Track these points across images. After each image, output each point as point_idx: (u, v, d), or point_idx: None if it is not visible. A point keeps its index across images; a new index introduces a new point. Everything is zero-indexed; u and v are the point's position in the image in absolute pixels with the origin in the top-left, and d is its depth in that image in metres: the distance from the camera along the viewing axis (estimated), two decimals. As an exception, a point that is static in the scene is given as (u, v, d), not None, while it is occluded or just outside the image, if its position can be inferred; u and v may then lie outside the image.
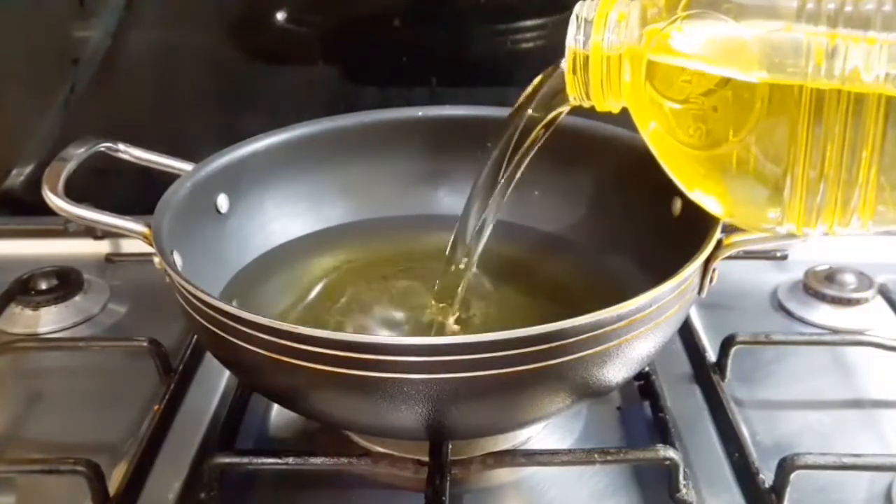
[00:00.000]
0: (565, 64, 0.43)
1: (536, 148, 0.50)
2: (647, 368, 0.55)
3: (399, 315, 0.55)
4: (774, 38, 0.37)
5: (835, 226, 0.39)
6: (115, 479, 0.49)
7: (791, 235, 0.41)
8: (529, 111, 0.49)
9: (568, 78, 0.44)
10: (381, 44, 0.73)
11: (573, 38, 0.43)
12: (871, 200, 0.38)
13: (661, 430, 0.51)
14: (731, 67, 0.38)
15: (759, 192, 0.40)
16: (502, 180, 0.51)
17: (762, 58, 0.37)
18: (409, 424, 0.43)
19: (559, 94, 0.46)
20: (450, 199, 0.65)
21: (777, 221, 0.40)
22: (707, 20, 0.38)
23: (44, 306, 0.65)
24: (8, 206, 0.77)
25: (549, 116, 0.48)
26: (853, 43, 0.35)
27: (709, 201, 0.42)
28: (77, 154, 0.53)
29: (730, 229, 0.47)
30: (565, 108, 0.48)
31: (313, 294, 0.58)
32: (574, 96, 0.45)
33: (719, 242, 0.47)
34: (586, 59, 0.42)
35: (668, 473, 0.48)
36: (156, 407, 0.55)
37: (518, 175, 0.51)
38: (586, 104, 0.45)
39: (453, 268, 0.54)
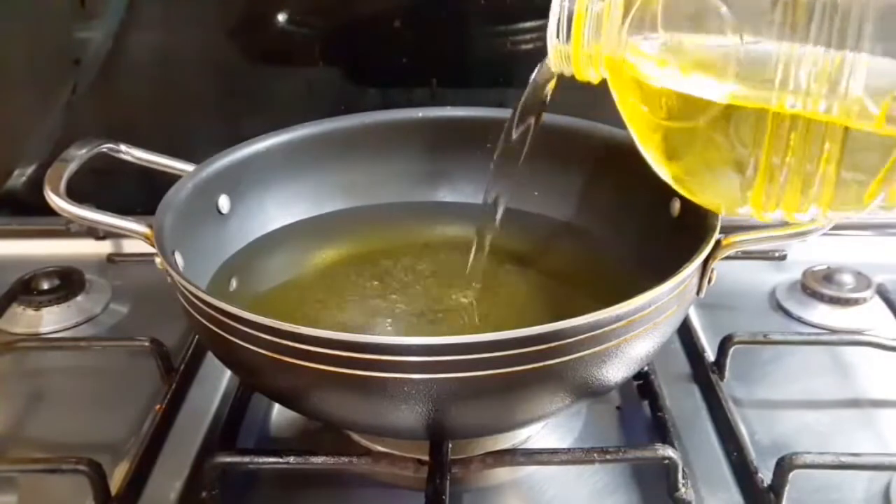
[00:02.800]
0: (550, 29, 0.44)
1: (535, 129, 0.51)
2: (646, 368, 0.55)
3: (390, 306, 0.55)
4: (747, 51, 0.37)
5: (793, 213, 0.39)
6: (117, 478, 0.49)
7: (757, 218, 0.42)
8: (524, 98, 0.50)
9: (550, 47, 0.44)
10: (382, 45, 0.73)
11: (558, 4, 0.43)
12: (830, 191, 0.38)
13: (660, 430, 0.52)
14: (702, 79, 0.38)
15: (723, 171, 0.40)
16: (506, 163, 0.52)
17: (733, 71, 0.37)
18: (409, 424, 0.43)
19: (545, 69, 0.47)
20: (450, 199, 0.65)
21: (738, 202, 0.41)
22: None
23: (46, 306, 0.65)
24: (10, 206, 0.77)
25: (540, 95, 0.49)
26: (821, 63, 0.36)
27: (673, 177, 0.43)
28: (79, 155, 0.54)
29: (728, 230, 0.47)
30: (552, 82, 0.48)
31: (312, 285, 0.59)
32: (556, 63, 0.45)
33: (718, 242, 0.47)
34: (569, 23, 0.43)
35: (666, 472, 0.48)
36: (157, 406, 0.55)
37: (524, 154, 0.52)
38: (567, 72, 0.45)
39: (469, 257, 0.55)
